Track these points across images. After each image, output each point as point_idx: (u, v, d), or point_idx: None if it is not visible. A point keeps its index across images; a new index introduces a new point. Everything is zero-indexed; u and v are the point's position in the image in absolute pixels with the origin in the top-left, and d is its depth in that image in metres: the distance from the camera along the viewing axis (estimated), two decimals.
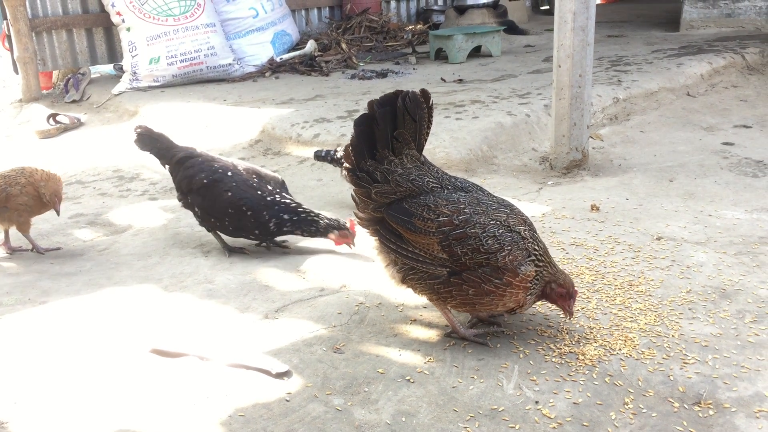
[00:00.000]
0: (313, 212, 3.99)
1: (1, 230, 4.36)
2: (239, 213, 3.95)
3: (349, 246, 3.99)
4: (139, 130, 4.31)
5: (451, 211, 2.81)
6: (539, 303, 3.00)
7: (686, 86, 7.35)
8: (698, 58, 7.92)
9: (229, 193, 3.97)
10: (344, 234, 3.95)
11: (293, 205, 4.00)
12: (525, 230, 2.82)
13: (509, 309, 2.88)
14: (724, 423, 2.41)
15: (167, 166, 4.29)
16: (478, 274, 2.76)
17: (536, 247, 2.82)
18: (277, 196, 4.02)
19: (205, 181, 4.03)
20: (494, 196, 2.98)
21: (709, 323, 3.02)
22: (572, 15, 4.85)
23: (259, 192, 3.99)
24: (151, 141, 4.29)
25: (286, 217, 3.95)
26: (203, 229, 4.25)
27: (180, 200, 4.24)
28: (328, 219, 3.98)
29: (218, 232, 4.18)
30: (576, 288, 2.89)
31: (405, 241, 2.89)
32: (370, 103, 2.92)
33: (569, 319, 2.93)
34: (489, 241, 2.75)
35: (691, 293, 3.28)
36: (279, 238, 4.17)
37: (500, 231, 2.77)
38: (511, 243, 2.76)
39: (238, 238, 4.14)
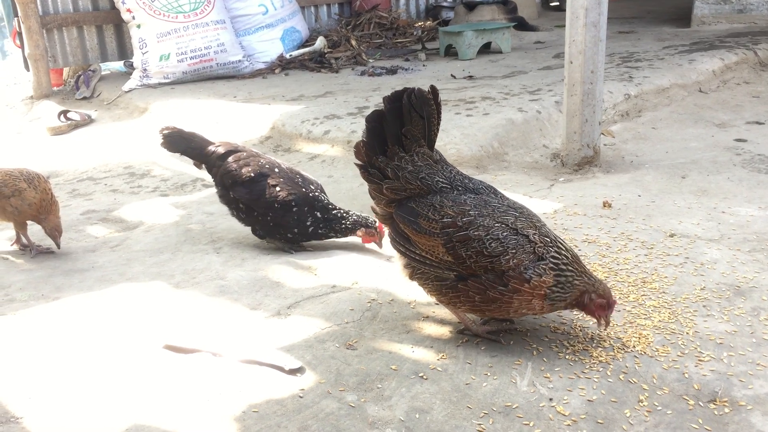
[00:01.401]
0: (343, 210, 4.00)
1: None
2: (285, 208, 3.94)
3: (378, 245, 3.99)
4: (166, 131, 4.17)
5: (455, 213, 2.77)
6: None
7: (698, 82, 7.31)
8: (710, 54, 7.87)
9: (278, 188, 3.96)
10: (371, 233, 3.95)
11: (329, 204, 4.01)
12: (534, 234, 2.73)
13: (524, 315, 2.83)
14: (739, 421, 2.39)
15: (203, 165, 4.21)
16: (482, 281, 2.71)
17: (558, 253, 2.72)
18: (318, 193, 4.03)
19: (252, 174, 4.02)
20: (507, 199, 2.92)
21: (723, 321, 3.00)
22: (584, 11, 4.83)
23: (304, 189, 4.00)
24: (182, 141, 4.20)
25: (319, 215, 3.96)
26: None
27: (220, 195, 4.16)
28: (356, 215, 3.97)
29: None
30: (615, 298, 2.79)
31: (412, 244, 2.87)
32: (384, 99, 2.92)
33: (605, 329, 2.83)
34: (492, 244, 2.69)
35: (705, 290, 3.26)
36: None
37: (504, 234, 2.70)
38: (515, 246, 2.69)
39: (272, 237, 4.10)
